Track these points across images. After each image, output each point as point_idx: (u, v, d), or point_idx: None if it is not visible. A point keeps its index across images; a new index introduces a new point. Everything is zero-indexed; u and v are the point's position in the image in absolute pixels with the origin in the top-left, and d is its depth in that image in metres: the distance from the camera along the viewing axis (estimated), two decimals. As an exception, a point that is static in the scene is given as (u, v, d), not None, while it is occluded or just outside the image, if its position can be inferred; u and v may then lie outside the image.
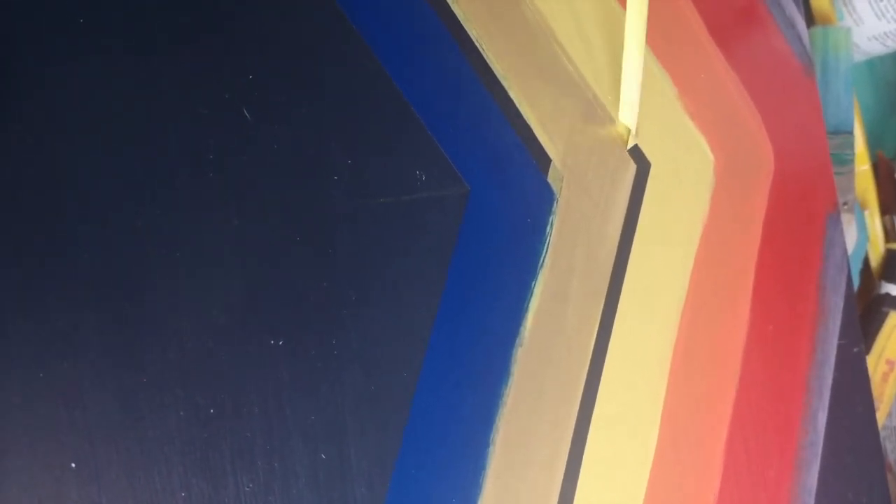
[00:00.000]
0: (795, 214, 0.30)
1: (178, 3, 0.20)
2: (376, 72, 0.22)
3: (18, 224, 0.18)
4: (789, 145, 0.30)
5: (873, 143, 0.43)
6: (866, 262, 0.39)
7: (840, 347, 0.31)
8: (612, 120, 0.26)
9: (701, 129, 0.28)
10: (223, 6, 0.20)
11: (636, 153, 0.26)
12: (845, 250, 0.31)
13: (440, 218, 0.23)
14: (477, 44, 0.24)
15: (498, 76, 0.24)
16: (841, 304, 0.31)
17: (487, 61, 0.24)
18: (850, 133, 0.36)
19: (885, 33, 0.38)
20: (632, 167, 0.26)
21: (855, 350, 0.31)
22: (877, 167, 0.41)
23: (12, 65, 0.18)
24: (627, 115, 0.24)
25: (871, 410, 0.32)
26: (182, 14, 0.20)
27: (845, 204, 0.35)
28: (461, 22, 0.24)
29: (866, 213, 0.39)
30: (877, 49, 0.40)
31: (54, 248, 0.18)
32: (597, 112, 0.26)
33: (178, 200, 0.20)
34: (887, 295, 0.38)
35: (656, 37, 0.27)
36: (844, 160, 0.35)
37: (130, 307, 0.19)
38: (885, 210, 0.40)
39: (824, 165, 0.31)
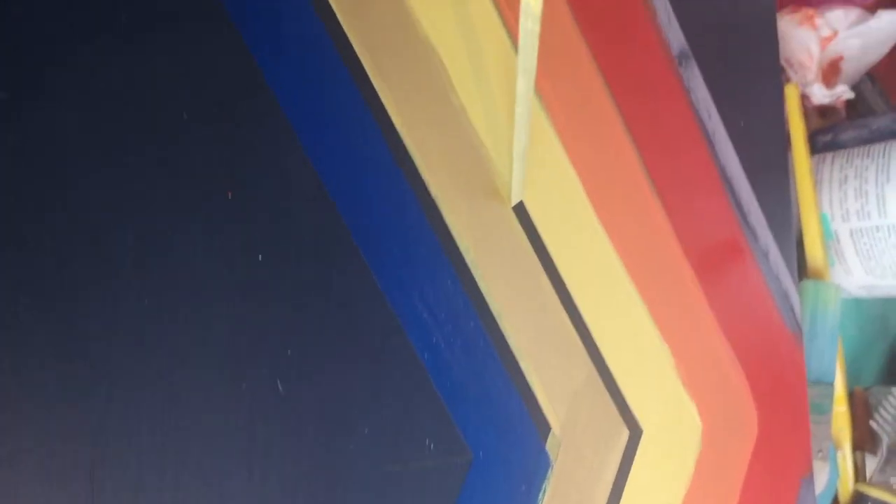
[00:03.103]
0: (772, 478, 0.32)
1: (223, 283, 0.22)
2: (404, 346, 0.24)
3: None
4: (773, 412, 0.32)
5: (853, 375, 0.45)
6: (836, 500, 0.41)
7: None
8: (615, 387, 0.28)
9: (693, 396, 0.30)
10: (267, 286, 0.22)
11: (630, 419, 0.28)
12: (815, 513, 0.33)
13: (443, 483, 0.24)
14: (497, 320, 0.26)
15: (512, 348, 0.26)
16: (807, 563, 0.33)
17: (505, 336, 0.26)
18: (831, 385, 0.38)
19: (871, 285, 0.41)
20: (625, 433, 0.28)
21: None
22: (852, 400, 0.43)
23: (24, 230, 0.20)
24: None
25: None
26: (228, 294, 0.22)
27: (820, 451, 0.37)
28: (484, 296, 0.26)
29: (839, 453, 0.41)
30: (863, 295, 0.42)
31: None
32: (599, 380, 0.28)
33: (205, 461, 0.21)
34: (852, 535, 0.40)
35: (663, 317, 0.29)
36: (823, 410, 0.37)
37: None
38: (856, 446, 0.42)
39: (804, 431, 0.33)
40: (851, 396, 0.44)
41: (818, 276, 0.39)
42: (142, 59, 0.21)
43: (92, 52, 0.21)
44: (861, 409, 0.43)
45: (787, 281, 0.33)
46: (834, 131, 0.43)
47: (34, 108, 0.20)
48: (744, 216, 0.32)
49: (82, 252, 0.20)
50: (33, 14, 0.20)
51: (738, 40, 0.34)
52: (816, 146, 0.43)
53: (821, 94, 0.43)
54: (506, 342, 0.26)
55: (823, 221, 0.41)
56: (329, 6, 0.24)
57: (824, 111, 0.47)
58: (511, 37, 0.27)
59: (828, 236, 0.41)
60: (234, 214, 0.22)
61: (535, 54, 0.21)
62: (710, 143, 0.32)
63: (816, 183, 0.41)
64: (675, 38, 0.32)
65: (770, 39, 0.36)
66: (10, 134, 0.20)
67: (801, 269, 0.40)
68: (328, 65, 0.24)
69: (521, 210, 0.27)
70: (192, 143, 0.22)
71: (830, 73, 0.46)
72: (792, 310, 0.33)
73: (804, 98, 0.45)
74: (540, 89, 0.28)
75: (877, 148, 0.39)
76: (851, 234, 0.40)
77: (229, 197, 0.22)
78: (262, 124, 0.23)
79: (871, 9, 0.46)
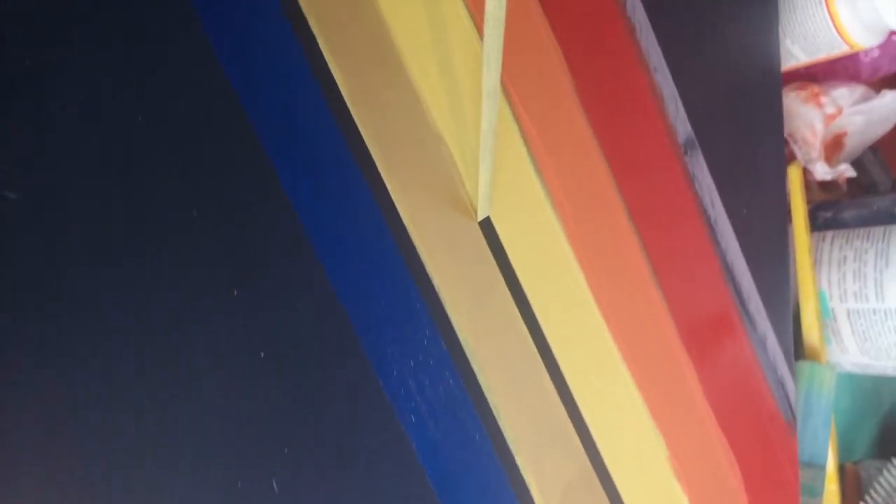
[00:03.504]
0: (761, 568, 0.32)
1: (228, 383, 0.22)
2: (402, 442, 0.24)
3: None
4: (764, 502, 0.32)
5: (844, 448, 0.45)
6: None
7: None
8: (608, 479, 0.28)
9: (684, 488, 0.30)
10: (267, 384, 0.22)
11: (622, 511, 0.28)
12: None
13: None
14: (495, 414, 0.26)
15: (509, 443, 0.26)
16: None
17: (502, 430, 0.26)
18: (823, 468, 0.38)
19: (866, 364, 0.41)
20: (616, 526, 0.28)
21: None
22: (843, 476, 0.43)
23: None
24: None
25: None
26: (226, 386, 0.22)
27: (809, 534, 0.37)
28: (483, 390, 0.26)
29: (829, 533, 0.41)
30: (857, 371, 0.43)
31: None
32: (592, 472, 0.28)
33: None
34: None
35: (659, 407, 0.29)
36: (814, 492, 0.37)
37: None
38: (846, 523, 0.42)
39: (794, 521, 0.33)
40: (842, 472, 0.44)
41: (814, 355, 0.40)
42: (155, 155, 0.21)
43: (102, 148, 0.21)
44: (852, 487, 0.43)
45: (784, 370, 0.33)
46: (835, 208, 0.44)
47: (43, 205, 0.20)
48: (743, 304, 0.33)
49: (81, 345, 0.20)
50: (45, 114, 0.20)
51: (743, 126, 0.35)
52: (817, 222, 0.43)
53: (823, 172, 0.43)
54: (502, 436, 0.26)
55: (821, 299, 0.41)
56: (344, 103, 0.24)
57: (826, 184, 0.47)
58: (511, 108, 0.28)
59: (825, 314, 0.41)
60: (238, 312, 0.22)
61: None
62: (713, 231, 0.32)
63: (815, 262, 0.41)
64: (682, 126, 0.32)
65: (775, 125, 0.36)
66: (20, 233, 0.20)
67: (798, 347, 0.41)
68: (343, 167, 0.24)
69: (524, 306, 0.27)
70: (200, 240, 0.22)
71: (833, 147, 0.47)
72: (787, 399, 0.33)
73: (806, 171, 0.45)
74: (546, 178, 0.28)
75: (877, 231, 0.40)
76: (848, 315, 0.40)
77: (234, 295, 0.22)
78: (271, 223, 0.23)
79: (876, 85, 0.47)
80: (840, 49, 0.40)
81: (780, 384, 0.33)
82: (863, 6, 0.38)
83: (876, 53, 0.45)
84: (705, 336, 0.31)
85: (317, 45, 0.24)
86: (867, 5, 0.38)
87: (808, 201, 0.45)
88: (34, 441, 0.19)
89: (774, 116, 0.36)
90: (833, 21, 0.39)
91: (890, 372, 0.41)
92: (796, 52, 0.41)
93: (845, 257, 0.40)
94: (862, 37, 0.39)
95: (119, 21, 0.21)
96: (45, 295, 0.20)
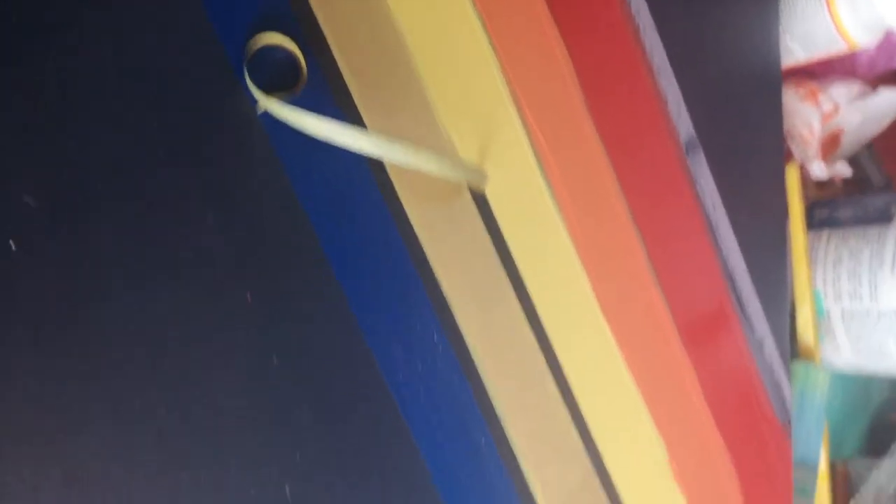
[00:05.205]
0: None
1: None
2: (412, 453, 0.24)
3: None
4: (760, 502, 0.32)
5: (834, 445, 0.46)
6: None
7: None
8: (609, 484, 0.28)
9: (683, 490, 0.30)
10: (280, 389, 0.22)
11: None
12: None
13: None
14: (501, 423, 0.26)
15: (514, 450, 0.26)
16: None
17: (508, 438, 0.26)
18: (815, 468, 0.38)
19: (858, 364, 0.42)
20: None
21: None
22: (833, 475, 0.44)
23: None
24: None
25: None
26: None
27: (801, 534, 0.38)
28: (491, 399, 0.26)
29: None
30: (850, 371, 0.43)
31: None
32: (595, 478, 0.28)
33: None
34: None
35: (659, 411, 0.29)
36: (806, 493, 0.38)
37: None
38: (836, 520, 0.43)
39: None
40: (832, 470, 0.44)
41: (809, 355, 0.40)
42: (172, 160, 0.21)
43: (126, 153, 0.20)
44: (841, 486, 0.43)
45: (780, 372, 0.34)
46: (830, 207, 0.44)
47: (63, 213, 0.19)
48: (742, 307, 0.33)
49: (95, 349, 0.20)
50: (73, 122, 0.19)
51: (743, 126, 0.35)
52: (813, 221, 0.43)
53: (820, 171, 0.43)
54: (508, 442, 0.26)
55: (816, 299, 0.41)
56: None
57: (821, 182, 0.48)
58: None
59: (819, 313, 0.41)
60: (252, 317, 0.22)
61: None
62: (714, 234, 0.32)
63: (812, 261, 0.42)
64: (685, 127, 0.32)
65: (775, 124, 0.36)
66: (40, 239, 0.19)
67: (792, 346, 0.41)
68: (358, 182, 0.24)
69: (532, 315, 0.27)
70: (215, 245, 0.21)
71: (830, 144, 0.47)
72: (783, 401, 0.34)
73: (802, 168, 0.45)
74: (551, 179, 0.28)
75: (872, 231, 0.40)
76: (843, 315, 0.40)
77: (248, 299, 0.22)
78: (284, 227, 0.22)
79: (873, 83, 0.47)
80: (839, 47, 0.40)
81: (777, 387, 0.33)
82: (862, 5, 0.38)
83: (873, 51, 0.45)
84: (705, 339, 0.31)
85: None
86: (866, 4, 0.38)
87: (804, 198, 0.45)
88: (46, 441, 0.19)
89: (774, 116, 0.36)
90: (833, 19, 0.39)
91: (882, 373, 0.42)
92: (795, 49, 0.41)
93: (840, 257, 0.41)
94: (861, 36, 0.39)
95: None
96: (63, 301, 0.19)
